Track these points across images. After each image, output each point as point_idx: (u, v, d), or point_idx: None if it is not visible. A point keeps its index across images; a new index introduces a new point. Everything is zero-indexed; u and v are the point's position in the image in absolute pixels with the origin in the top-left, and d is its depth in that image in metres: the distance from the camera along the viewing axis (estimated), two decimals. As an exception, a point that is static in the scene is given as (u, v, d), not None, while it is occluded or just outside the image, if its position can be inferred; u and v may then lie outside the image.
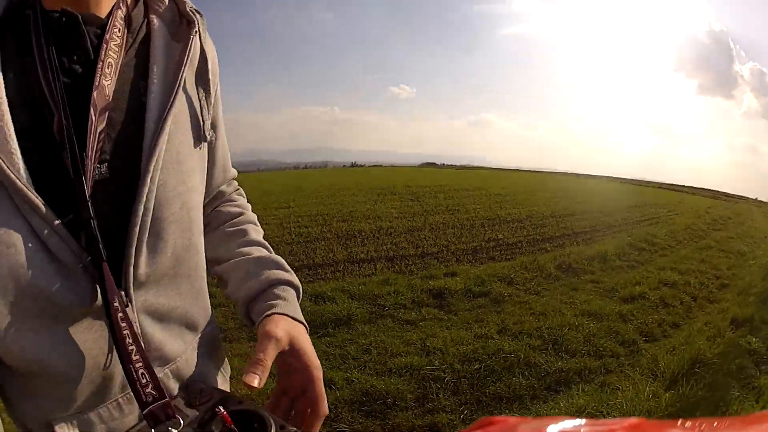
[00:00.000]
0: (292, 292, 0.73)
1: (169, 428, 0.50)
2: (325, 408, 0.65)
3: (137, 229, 0.54)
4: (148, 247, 0.56)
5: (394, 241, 7.87)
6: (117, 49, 0.55)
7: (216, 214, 0.82)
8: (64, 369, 0.54)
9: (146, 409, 0.51)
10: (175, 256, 0.61)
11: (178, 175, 0.59)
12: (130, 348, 0.51)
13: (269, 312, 0.67)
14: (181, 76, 0.59)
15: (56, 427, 0.55)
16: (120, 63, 0.56)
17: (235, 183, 0.88)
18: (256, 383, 0.55)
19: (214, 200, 0.82)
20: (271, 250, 0.79)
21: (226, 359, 0.81)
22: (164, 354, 0.61)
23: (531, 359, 3.51)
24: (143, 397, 0.51)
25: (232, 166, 0.83)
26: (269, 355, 0.59)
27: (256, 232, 0.82)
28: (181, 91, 0.59)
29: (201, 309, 0.70)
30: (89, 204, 0.50)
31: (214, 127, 0.71)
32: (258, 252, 0.77)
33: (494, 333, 4.09)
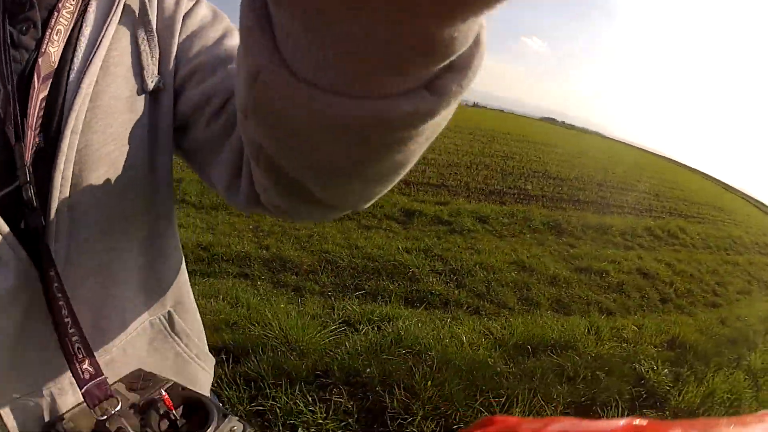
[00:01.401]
0: None
1: (107, 408, 0.45)
2: None
3: (56, 202, 0.47)
4: (69, 219, 0.48)
5: (424, 169, 7.97)
6: (69, 16, 0.50)
7: None
8: None
9: (84, 387, 0.46)
10: (102, 228, 0.51)
11: (105, 132, 0.50)
12: (66, 320, 0.46)
13: None
14: (106, 27, 0.50)
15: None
16: (71, 28, 0.50)
17: None
18: None
19: None
20: None
21: (207, 354, 0.69)
22: (94, 341, 0.51)
23: (417, 276, 3.65)
24: (81, 373, 0.46)
25: None
26: None
27: None
28: (110, 43, 0.51)
29: (147, 292, 0.58)
30: (27, 169, 0.45)
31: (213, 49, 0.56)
32: None
33: (413, 249, 4.24)
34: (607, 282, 4.96)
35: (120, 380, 0.52)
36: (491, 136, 14.28)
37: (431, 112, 0.26)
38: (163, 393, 0.50)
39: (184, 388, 0.52)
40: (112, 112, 0.51)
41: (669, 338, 3.67)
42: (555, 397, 2.55)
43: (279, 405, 1.99)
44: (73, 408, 0.50)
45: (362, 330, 2.70)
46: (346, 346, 2.45)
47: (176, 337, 0.62)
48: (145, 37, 0.54)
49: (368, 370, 2.25)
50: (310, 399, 2.03)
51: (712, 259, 7.47)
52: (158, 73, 0.54)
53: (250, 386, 2.09)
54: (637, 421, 0.22)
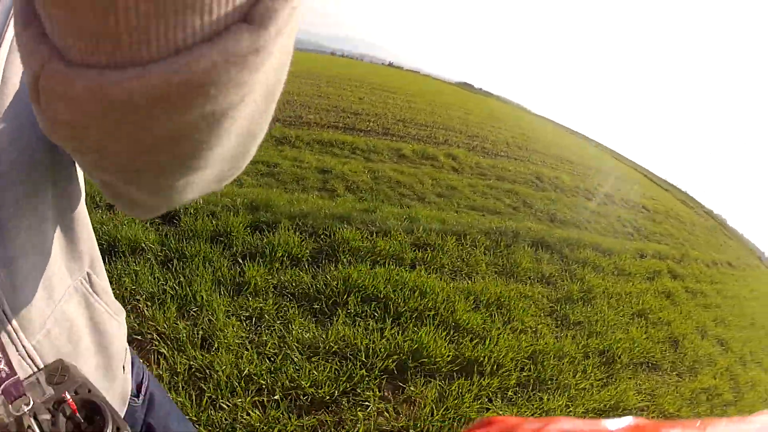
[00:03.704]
0: None
1: (22, 405, 0.46)
2: None
3: None
4: None
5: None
6: None
7: None
8: None
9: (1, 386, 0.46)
10: (10, 201, 0.43)
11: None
12: None
13: None
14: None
15: None
16: None
17: None
18: None
19: None
20: None
21: (119, 307, 0.65)
22: (30, 316, 0.49)
23: None
24: None
25: None
26: None
27: None
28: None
29: (65, 255, 0.53)
30: None
31: None
32: None
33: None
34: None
35: (44, 368, 0.50)
36: (369, 89, 15.11)
37: (256, 43, 0.19)
38: (68, 397, 0.48)
39: (89, 390, 0.51)
40: (8, 95, 0.42)
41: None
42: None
43: None
44: None
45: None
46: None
47: (97, 297, 0.58)
48: None
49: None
50: None
51: (483, 184, 7.41)
52: None
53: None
54: (638, 421, 0.21)
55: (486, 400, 2.36)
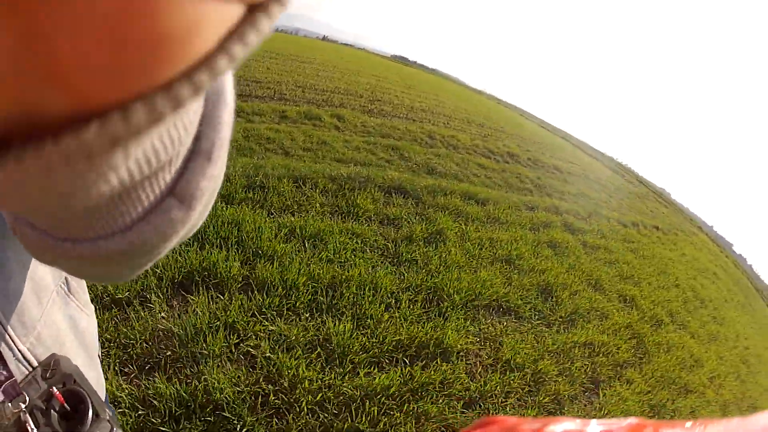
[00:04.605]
0: None
1: (20, 403, 0.49)
2: None
3: None
4: None
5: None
6: None
7: None
8: None
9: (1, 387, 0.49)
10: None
11: None
12: None
13: None
14: None
15: None
16: None
17: None
18: None
19: None
20: None
21: (88, 302, 0.70)
22: (23, 321, 0.52)
23: None
24: None
25: None
26: None
27: None
28: None
29: (46, 271, 0.57)
30: None
31: None
32: None
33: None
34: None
35: (40, 365, 0.53)
36: (285, 58, 14.96)
37: (185, 219, 0.23)
38: (55, 391, 0.51)
39: (75, 381, 0.54)
40: None
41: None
42: None
43: None
44: None
45: None
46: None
47: (73, 297, 0.62)
48: None
49: None
50: None
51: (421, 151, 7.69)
52: None
53: None
54: (638, 421, 0.22)
55: (259, 315, 2.70)
